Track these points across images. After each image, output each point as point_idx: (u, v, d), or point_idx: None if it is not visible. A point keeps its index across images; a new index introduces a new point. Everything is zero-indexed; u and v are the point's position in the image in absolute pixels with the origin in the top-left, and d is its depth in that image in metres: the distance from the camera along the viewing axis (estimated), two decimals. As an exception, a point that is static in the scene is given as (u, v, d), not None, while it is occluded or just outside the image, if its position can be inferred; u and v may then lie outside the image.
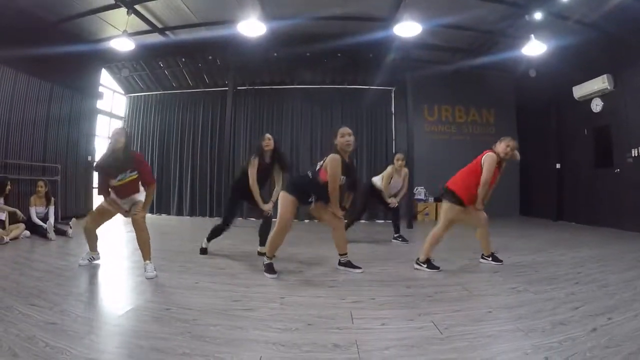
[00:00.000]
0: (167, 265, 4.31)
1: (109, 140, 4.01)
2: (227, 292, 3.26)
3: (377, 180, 6.44)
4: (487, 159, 4.21)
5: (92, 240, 4.33)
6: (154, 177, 4.21)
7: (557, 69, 9.09)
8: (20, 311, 2.65)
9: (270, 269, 3.94)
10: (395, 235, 6.42)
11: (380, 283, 3.65)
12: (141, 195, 4.11)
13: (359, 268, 4.09)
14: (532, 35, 7.28)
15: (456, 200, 4.22)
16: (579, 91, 8.90)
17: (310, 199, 4.05)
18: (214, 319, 2.62)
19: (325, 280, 3.75)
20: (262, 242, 4.76)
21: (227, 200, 5.20)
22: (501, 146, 4.29)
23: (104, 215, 4.21)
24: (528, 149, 10.71)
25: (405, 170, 6.42)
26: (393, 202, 6.30)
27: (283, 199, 3.94)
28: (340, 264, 4.21)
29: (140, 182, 4.08)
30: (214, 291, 3.31)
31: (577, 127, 9.30)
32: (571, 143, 9.54)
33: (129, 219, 4.03)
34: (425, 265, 4.20)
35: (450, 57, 9.96)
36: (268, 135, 4.84)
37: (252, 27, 6.64)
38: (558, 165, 9.84)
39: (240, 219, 9.76)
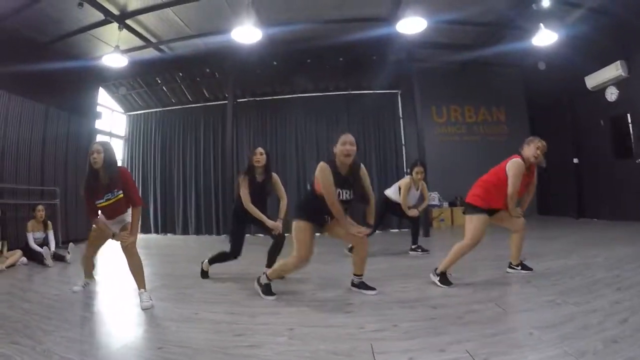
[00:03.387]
0: (166, 292, 4.00)
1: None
2: (229, 325, 2.89)
3: (390, 192, 6.08)
4: (513, 166, 3.80)
5: (89, 267, 4.15)
6: (140, 197, 3.87)
7: (567, 59, 8.74)
8: (-1, 352, 2.35)
9: (268, 290, 3.65)
10: (413, 247, 6.00)
11: (402, 305, 3.23)
12: (129, 216, 3.79)
13: (373, 289, 3.66)
14: (542, 25, 6.93)
15: (481, 211, 3.84)
16: (592, 81, 8.60)
17: (325, 216, 3.58)
18: (211, 360, 2.27)
19: (339, 305, 3.33)
20: (270, 263, 4.31)
21: (231, 226, 4.77)
22: (530, 149, 3.88)
23: (99, 239, 3.96)
24: (543, 145, 10.37)
25: (423, 183, 6.04)
26: (414, 212, 5.89)
27: (296, 229, 3.52)
28: (353, 284, 3.79)
29: (128, 202, 3.75)
30: (214, 323, 2.93)
31: (592, 118, 8.96)
32: (588, 136, 9.18)
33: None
34: (438, 279, 3.82)
35: (456, 54, 9.64)
36: (260, 150, 4.42)
37: (247, 33, 6.34)
38: (576, 160, 9.46)
39: (248, 235, 9.44)
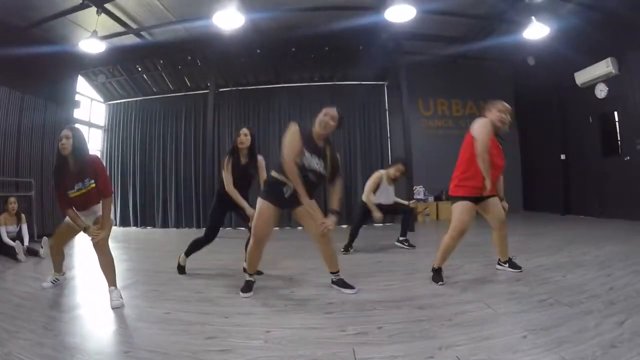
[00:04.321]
0: (139, 289, 3.80)
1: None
2: (201, 326, 2.69)
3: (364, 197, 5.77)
4: (477, 123, 3.57)
5: (57, 258, 3.93)
6: (111, 188, 3.67)
7: (557, 55, 8.64)
8: (-40, 357, 2.16)
9: (246, 286, 3.48)
10: (401, 239, 5.78)
11: (386, 304, 3.04)
12: (101, 208, 3.58)
13: (352, 288, 3.45)
14: (533, 18, 6.79)
15: (463, 198, 3.64)
16: (582, 77, 8.49)
17: (285, 193, 3.28)
18: (179, 367, 2.07)
19: (320, 304, 3.14)
20: None
21: (211, 207, 4.53)
22: (493, 114, 3.64)
23: (69, 231, 3.75)
24: (530, 140, 10.35)
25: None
26: (378, 216, 5.49)
27: (257, 206, 3.36)
28: (332, 282, 3.59)
29: (100, 193, 3.53)
30: (186, 324, 2.74)
31: (581, 115, 8.89)
32: (576, 132, 9.12)
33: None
34: (432, 275, 3.68)
35: (446, 47, 9.49)
36: (244, 130, 4.22)
37: (229, 18, 6.13)
38: (563, 157, 9.39)
39: (230, 229, 9.23)
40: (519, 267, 3.94)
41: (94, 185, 3.46)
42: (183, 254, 4.45)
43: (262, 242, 3.38)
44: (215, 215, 4.42)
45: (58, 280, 3.93)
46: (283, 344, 2.36)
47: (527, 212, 10.29)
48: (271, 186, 3.34)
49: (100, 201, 3.57)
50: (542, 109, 9.83)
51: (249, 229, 4.19)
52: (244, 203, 4.12)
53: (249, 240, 4.16)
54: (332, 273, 3.59)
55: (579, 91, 8.70)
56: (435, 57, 9.89)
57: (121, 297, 3.28)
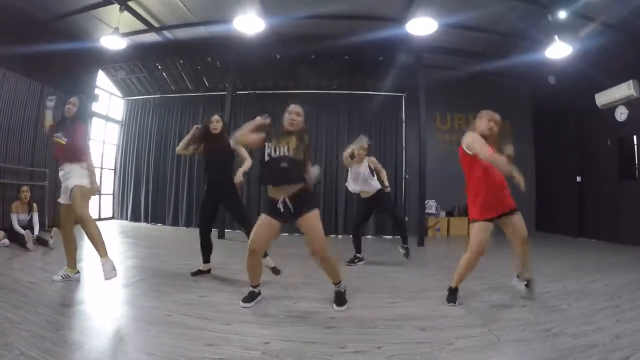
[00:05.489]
0: (142, 287, 3.83)
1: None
2: (201, 331, 2.69)
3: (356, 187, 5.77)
4: (465, 140, 3.51)
5: (70, 246, 3.99)
6: (84, 150, 3.85)
7: (578, 75, 8.48)
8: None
9: (249, 297, 3.39)
10: (404, 245, 5.65)
11: (388, 323, 3.00)
12: (74, 173, 3.73)
13: (341, 305, 3.34)
14: (556, 36, 6.72)
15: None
16: (602, 98, 8.32)
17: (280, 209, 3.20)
18: (175, 373, 2.06)
19: (321, 317, 3.11)
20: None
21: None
22: (482, 122, 3.55)
23: (69, 211, 3.84)
24: (546, 160, 10.19)
25: (371, 159, 5.85)
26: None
27: (259, 218, 3.33)
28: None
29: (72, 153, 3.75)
30: (185, 329, 2.73)
31: (599, 137, 8.71)
32: (593, 154, 8.93)
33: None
34: (447, 294, 3.61)
35: (465, 61, 9.40)
36: (216, 117, 4.48)
37: (249, 23, 6.19)
38: (579, 179, 9.22)
39: (239, 231, 9.24)
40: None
41: (63, 142, 3.70)
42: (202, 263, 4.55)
43: (255, 252, 3.28)
44: (204, 207, 4.62)
45: (69, 277, 3.93)
46: (281, 357, 2.34)
47: (539, 233, 10.11)
48: (267, 202, 3.35)
49: (71, 163, 3.76)
50: (560, 129, 9.68)
51: (244, 230, 4.28)
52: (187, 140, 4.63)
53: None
54: (333, 284, 3.46)
55: (598, 113, 8.54)
56: (455, 72, 9.80)
57: (114, 269, 3.33)
